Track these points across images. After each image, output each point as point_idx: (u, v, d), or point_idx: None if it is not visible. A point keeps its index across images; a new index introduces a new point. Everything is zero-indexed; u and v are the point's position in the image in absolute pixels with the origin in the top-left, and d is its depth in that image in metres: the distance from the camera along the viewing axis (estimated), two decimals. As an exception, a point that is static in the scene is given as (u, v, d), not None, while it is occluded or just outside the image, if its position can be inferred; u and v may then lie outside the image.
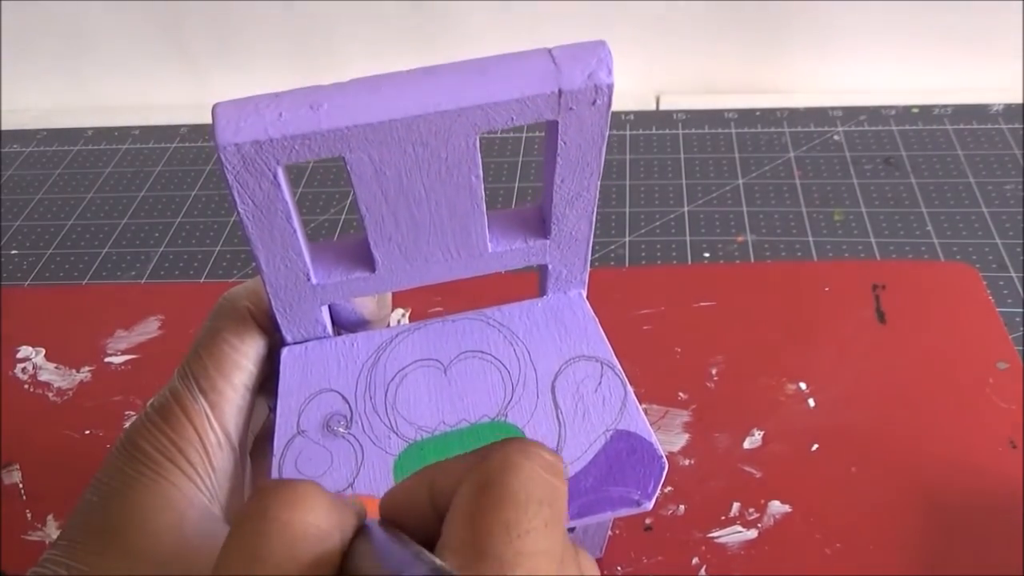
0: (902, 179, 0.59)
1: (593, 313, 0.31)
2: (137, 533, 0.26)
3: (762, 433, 0.44)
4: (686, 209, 0.59)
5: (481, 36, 0.71)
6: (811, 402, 0.45)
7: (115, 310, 0.55)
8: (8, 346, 0.53)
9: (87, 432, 0.48)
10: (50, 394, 0.50)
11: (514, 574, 0.17)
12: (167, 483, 0.27)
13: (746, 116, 0.66)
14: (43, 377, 0.51)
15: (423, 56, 0.25)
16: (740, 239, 0.56)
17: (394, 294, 0.32)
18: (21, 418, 0.49)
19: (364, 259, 0.29)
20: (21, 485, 0.46)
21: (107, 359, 0.52)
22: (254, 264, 0.37)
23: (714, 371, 0.47)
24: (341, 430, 0.29)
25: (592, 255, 0.51)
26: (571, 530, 0.30)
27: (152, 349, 0.52)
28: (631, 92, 0.70)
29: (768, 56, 0.70)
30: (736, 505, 0.41)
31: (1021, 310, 0.49)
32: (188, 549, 0.26)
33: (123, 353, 0.52)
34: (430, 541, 0.19)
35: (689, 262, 0.54)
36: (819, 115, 0.65)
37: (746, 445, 0.43)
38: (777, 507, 0.41)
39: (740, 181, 0.60)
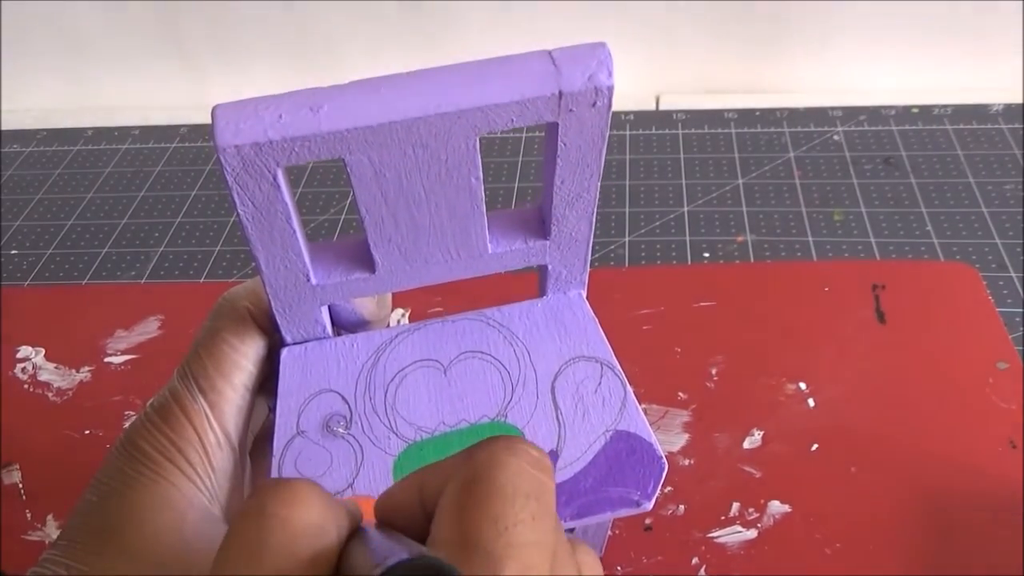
0: (902, 179, 0.59)
1: (593, 313, 0.31)
2: (136, 533, 0.26)
3: (762, 433, 0.44)
4: (686, 209, 0.59)
5: (481, 37, 0.71)
6: (811, 402, 0.45)
7: (115, 310, 0.55)
8: (8, 346, 0.53)
9: (87, 432, 0.48)
10: (50, 394, 0.50)
11: (504, 566, 0.17)
12: (166, 483, 0.27)
13: (746, 116, 0.66)
14: (43, 377, 0.51)
15: (423, 57, 0.25)
16: (740, 239, 0.56)
17: (394, 294, 0.32)
18: (21, 418, 0.49)
19: (364, 260, 0.29)
20: (21, 485, 0.46)
21: (107, 359, 0.52)
22: (254, 264, 0.37)
23: (714, 371, 0.47)
24: (341, 430, 0.29)
25: (592, 255, 0.51)
26: (571, 530, 0.30)
27: (152, 349, 0.52)
28: (631, 92, 0.70)
29: (768, 56, 0.70)
30: (736, 505, 0.41)
31: (1021, 310, 0.49)
32: (187, 549, 0.26)
33: (123, 353, 0.52)
34: (422, 541, 0.19)
35: (689, 262, 0.54)
36: (819, 115, 0.65)
37: (746, 445, 0.43)
38: (777, 507, 0.41)
39: (740, 181, 0.60)
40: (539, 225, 0.29)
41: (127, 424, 0.31)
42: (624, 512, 0.27)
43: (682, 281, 0.52)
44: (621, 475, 0.27)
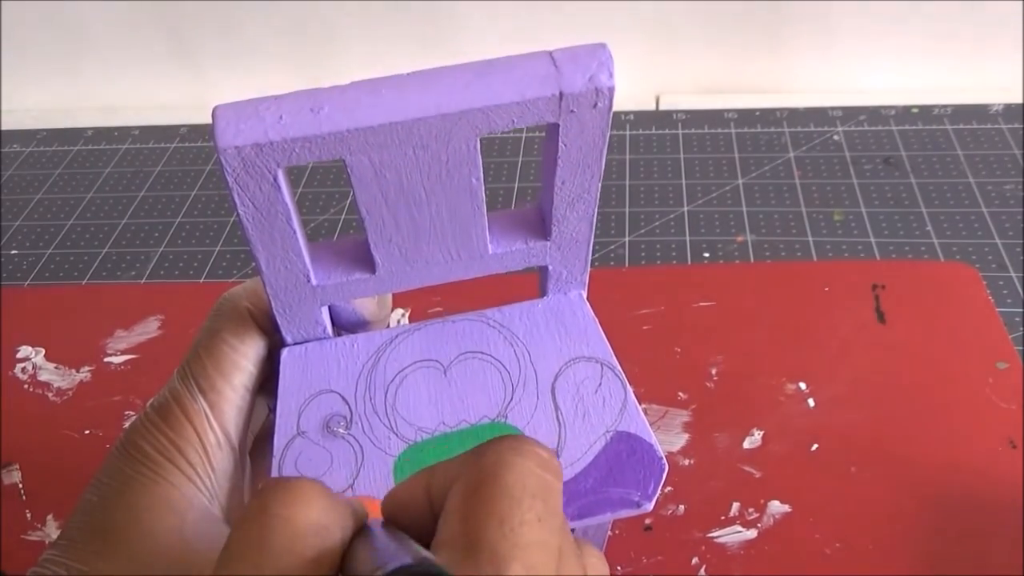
0: (902, 179, 0.59)
1: (593, 314, 0.31)
2: (136, 533, 0.26)
3: (762, 433, 0.44)
4: (686, 209, 0.59)
5: (481, 38, 0.71)
6: (811, 402, 0.45)
7: (115, 310, 0.55)
8: (8, 346, 0.53)
9: (87, 432, 0.48)
10: (50, 394, 0.50)
11: (509, 567, 0.17)
12: (166, 483, 0.27)
13: (746, 116, 0.66)
14: (43, 377, 0.51)
15: (423, 58, 0.25)
16: (740, 239, 0.56)
17: (394, 295, 0.32)
18: (21, 418, 0.49)
19: (364, 260, 0.29)
20: (21, 485, 0.46)
21: (107, 359, 0.52)
22: (254, 264, 0.37)
23: (714, 371, 0.47)
24: (341, 431, 0.29)
25: (592, 255, 0.51)
26: (571, 531, 0.30)
27: (152, 349, 0.52)
28: (631, 92, 0.70)
29: (768, 56, 0.70)
30: (736, 505, 0.41)
31: (1021, 310, 0.49)
32: (187, 549, 0.26)
33: (123, 353, 0.52)
34: (429, 540, 0.19)
35: (689, 262, 0.54)
36: (819, 115, 0.65)
37: (746, 445, 0.43)
38: (777, 507, 0.41)
39: (740, 181, 0.60)
40: (539, 226, 0.29)
41: (127, 424, 0.31)
42: (624, 513, 0.27)
43: (682, 281, 0.52)
44: (621, 476, 0.27)
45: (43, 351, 0.53)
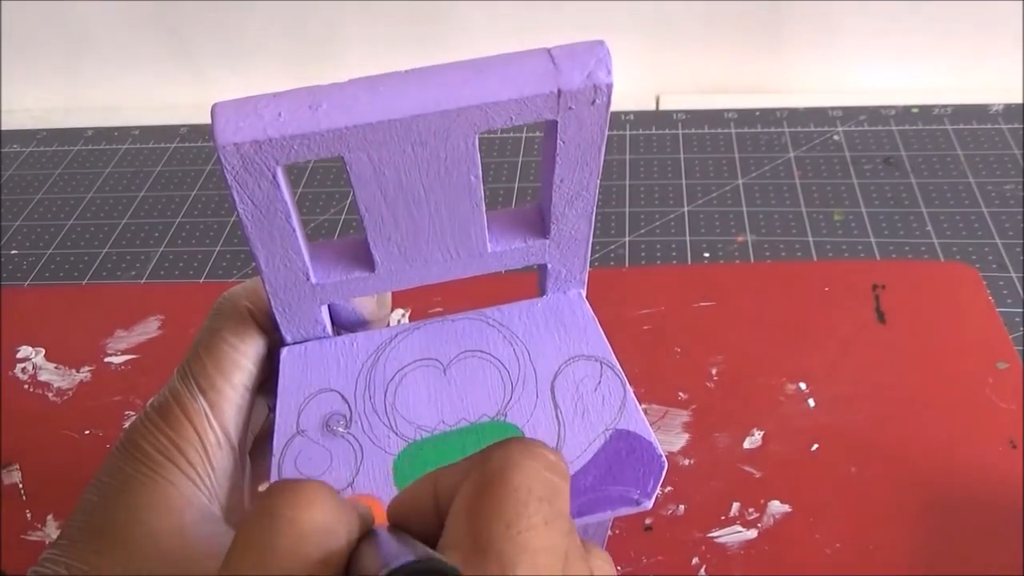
0: (902, 179, 0.59)
1: (592, 313, 0.31)
2: (136, 532, 0.26)
3: (762, 433, 0.44)
4: (686, 209, 0.59)
5: (481, 38, 0.71)
6: (811, 402, 0.45)
7: (115, 310, 0.55)
8: (8, 346, 0.53)
9: (87, 432, 0.48)
10: (50, 394, 0.50)
11: (514, 569, 0.17)
12: (166, 482, 0.27)
13: (746, 116, 0.66)
14: (43, 377, 0.51)
15: (424, 59, 0.25)
16: (740, 239, 0.56)
17: (394, 294, 0.32)
18: (21, 418, 0.49)
19: (363, 259, 0.29)
20: (21, 485, 0.46)
21: (107, 359, 0.52)
22: (254, 264, 0.37)
23: (714, 371, 0.47)
24: (341, 430, 0.29)
25: (592, 255, 0.51)
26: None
27: (152, 349, 0.52)
28: (631, 92, 0.70)
29: (768, 56, 0.70)
30: (736, 505, 0.41)
31: (1021, 310, 0.49)
32: (187, 548, 0.26)
33: (123, 353, 0.52)
34: (435, 544, 0.19)
35: (689, 262, 0.54)
36: (819, 115, 0.65)
37: (746, 445, 0.43)
38: (777, 507, 0.41)
39: (740, 181, 0.60)
40: (539, 224, 0.29)
41: (127, 424, 0.31)
42: (624, 511, 0.27)
43: (682, 281, 0.52)
44: (621, 474, 0.27)
45: (43, 351, 0.53)
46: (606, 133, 0.25)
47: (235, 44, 0.75)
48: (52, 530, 0.43)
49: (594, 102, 0.24)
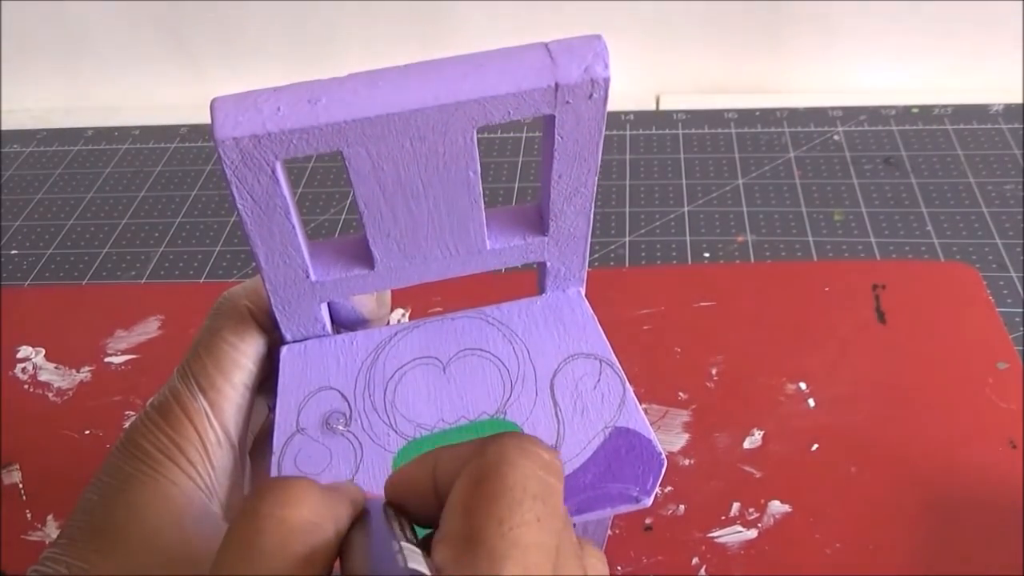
0: (902, 179, 0.59)
1: (592, 311, 0.31)
2: (136, 531, 0.26)
3: (762, 433, 0.44)
4: (686, 209, 0.59)
5: (480, 37, 0.72)
6: (811, 402, 0.45)
7: (115, 310, 0.55)
8: (8, 346, 0.53)
9: (87, 432, 0.48)
10: (50, 394, 0.50)
11: (504, 566, 0.17)
12: (167, 481, 0.27)
13: (746, 116, 0.66)
14: (43, 377, 0.51)
15: (422, 57, 0.25)
16: (740, 239, 0.56)
17: (393, 293, 0.32)
18: (21, 418, 0.49)
19: (363, 256, 0.29)
20: (21, 485, 0.46)
21: (107, 359, 0.52)
22: (254, 263, 0.37)
23: (714, 371, 0.47)
24: (340, 428, 0.29)
25: (592, 255, 0.51)
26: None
27: (152, 349, 0.52)
28: (631, 92, 0.70)
29: (768, 56, 0.70)
30: (736, 505, 0.41)
31: (1021, 310, 0.49)
32: (187, 547, 0.26)
33: (123, 353, 0.52)
34: (432, 524, 0.20)
35: (689, 262, 0.54)
36: (819, 115, 0.65)
37: (746, 445, 0.43)
38: (777, 507, 0.41)
39: (740, 181, 0.60)
40: (537, 221, 0.29)
41: (127, 424, 0.31)
42: (623, 508, 0.27)
43: (682, 281, 0.52)
44: (620, 471, 0.27)
45: (43, 351, 0.53)
46: (604, 128, 0.25)
47: (235, 44, 0.75)
48: (52, 530, 0.43)
49: (591, 96, 0.24)
